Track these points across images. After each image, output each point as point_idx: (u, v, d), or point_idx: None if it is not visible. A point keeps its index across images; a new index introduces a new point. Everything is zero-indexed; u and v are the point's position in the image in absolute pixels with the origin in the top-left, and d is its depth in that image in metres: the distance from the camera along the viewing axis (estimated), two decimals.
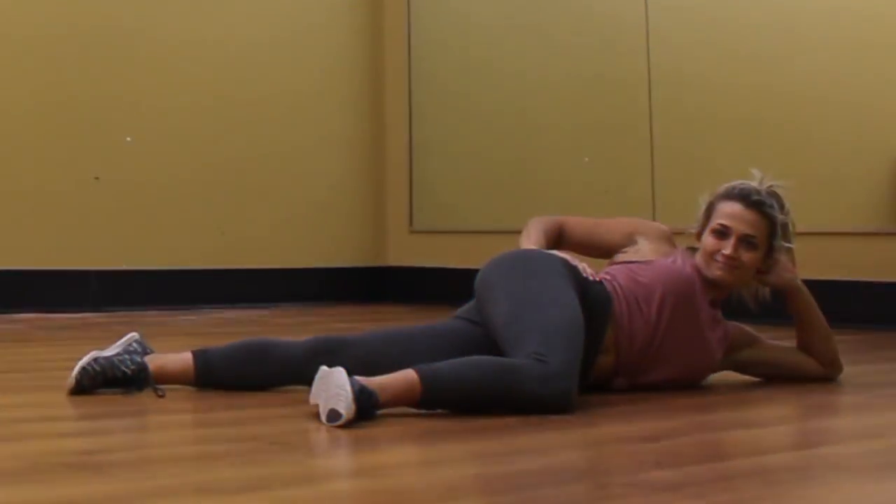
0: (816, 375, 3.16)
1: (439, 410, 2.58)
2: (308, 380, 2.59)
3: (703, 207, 3.08)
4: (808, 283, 3.14)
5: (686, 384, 3.04)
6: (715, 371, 3.10)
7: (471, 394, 2.57)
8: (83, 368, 2.81)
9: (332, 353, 2.84)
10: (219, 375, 2.91)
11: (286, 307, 5.92)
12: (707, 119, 5.28)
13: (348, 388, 2.42)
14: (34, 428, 2.49)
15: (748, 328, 3.17)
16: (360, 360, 2.77)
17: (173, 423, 2.64)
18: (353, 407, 2.41)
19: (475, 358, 2.64)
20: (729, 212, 3.00)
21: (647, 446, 2.35)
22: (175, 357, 2.92)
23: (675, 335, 2.94)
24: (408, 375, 2.53)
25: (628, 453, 2.30)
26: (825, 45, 4.95)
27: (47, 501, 1.83)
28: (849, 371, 3.23)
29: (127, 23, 5.79)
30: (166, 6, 5.92)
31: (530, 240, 3.08)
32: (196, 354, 2.91)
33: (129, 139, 5.79)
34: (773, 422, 2.78)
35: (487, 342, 2.82)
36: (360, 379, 2.47)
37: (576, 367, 2.65)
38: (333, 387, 2.44)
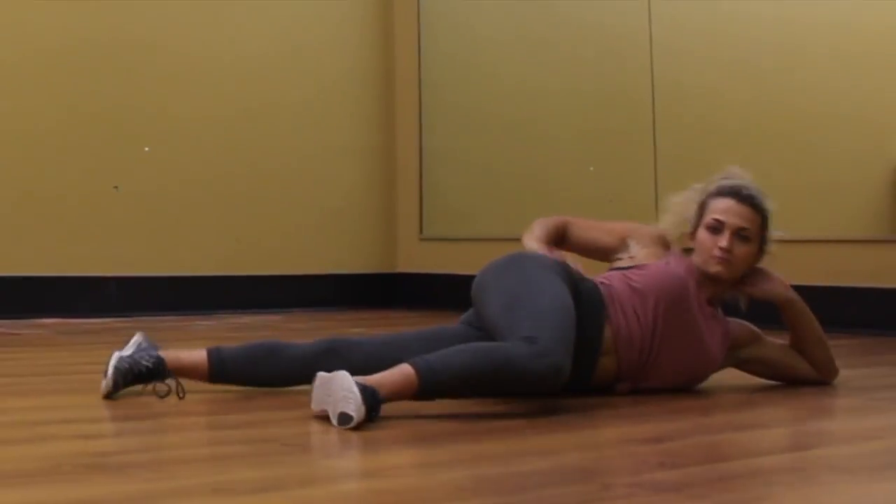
0: (813, 379, 3.19)
1: (437, 401, 2.61)
2: None
3: (693, 207, 3.13)
4: (807, 288, 3.17)
5: (688, 386, 3.07)
6: (717, 370, 3.13)
7: (465, 378, 2.59)
8: (115, 368, 2.85)
9: (339, 353, 2.89)
10: (231, 373, 2.95)
11: (299, 313, 5.94)
12: (709, 129, 5.29)
13: (356, 390, 2.45)
14: (55, 430, 2.51)
15: (751, 325, 3.19)
16: (365, 362, 2.80)
17: (189, 425, 2.67)
18: (362, 408, 2.44)
19: (466, 345, 2.68)
20: (722, 207, 3.05)
21: (649, 448, 2.36)
22: (190, 353, 2.96)
23: (673, 339, 2.98)
24: (403, 369, 2.56)
25: (631, 454, 2.32)
26: (824, 57, 4.97)
27: (68, 502, 1.86)
28: (845, 375, 3.26)
29: (144, 36, 5.83)
30: (182, 20, 5.97)
31: (533, 235, 3.12)
32: (210, 352, 2.96)
33: (147, 149, 5.86)
34: (772, 424, 2.80)
35: None
36: (358, 379, 2.50)
37: (566, 345, 2.67)
38: (340, 390, 2.47)
